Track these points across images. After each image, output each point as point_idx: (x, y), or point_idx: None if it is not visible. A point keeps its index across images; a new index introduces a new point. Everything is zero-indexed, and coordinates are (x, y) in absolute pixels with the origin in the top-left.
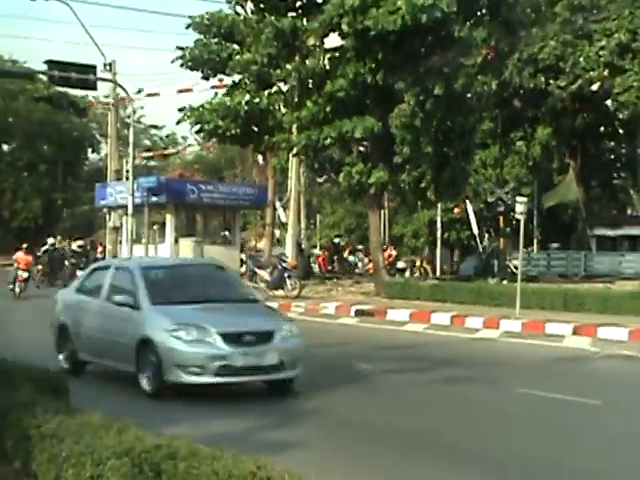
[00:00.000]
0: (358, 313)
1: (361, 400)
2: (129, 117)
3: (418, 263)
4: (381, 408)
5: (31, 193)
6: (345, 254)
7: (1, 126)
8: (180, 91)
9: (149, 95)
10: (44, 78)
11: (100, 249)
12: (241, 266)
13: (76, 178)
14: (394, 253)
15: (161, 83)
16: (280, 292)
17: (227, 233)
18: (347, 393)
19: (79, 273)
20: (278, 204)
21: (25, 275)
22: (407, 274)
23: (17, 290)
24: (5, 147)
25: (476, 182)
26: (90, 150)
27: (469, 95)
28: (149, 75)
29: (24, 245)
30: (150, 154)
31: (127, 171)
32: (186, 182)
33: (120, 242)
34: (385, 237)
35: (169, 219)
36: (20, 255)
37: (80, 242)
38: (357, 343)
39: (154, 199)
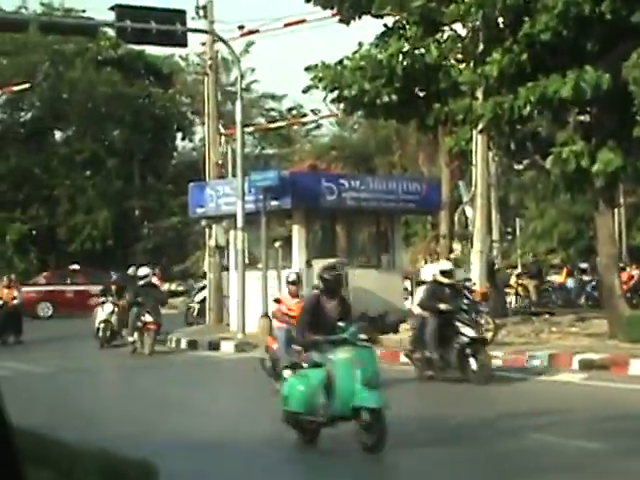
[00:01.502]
0: (584, 365)
1: None
2: (234, 85)
3: None
4: None
5: (96, 201)
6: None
7: (51, 105)
8: (334, 15)
9: (289, 29)
10: (111, 33)
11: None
12: (406, 299)
13: (160, 177)
14: (637, 273)
15: (280, 33)
16: None
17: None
18: None
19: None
20: (466, 199)
21: None
22: None
23: None
24: (57, 135)
25: None
26: (180, 135)
27: None
28: (260, 20)
29: None
30: (250, 129)
31: (234, 165)
32: (320, 177)
33: (226, 268)
34: (622, 250)
35: (297, 232)
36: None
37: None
38: (580, 410)
39: (274, 203)
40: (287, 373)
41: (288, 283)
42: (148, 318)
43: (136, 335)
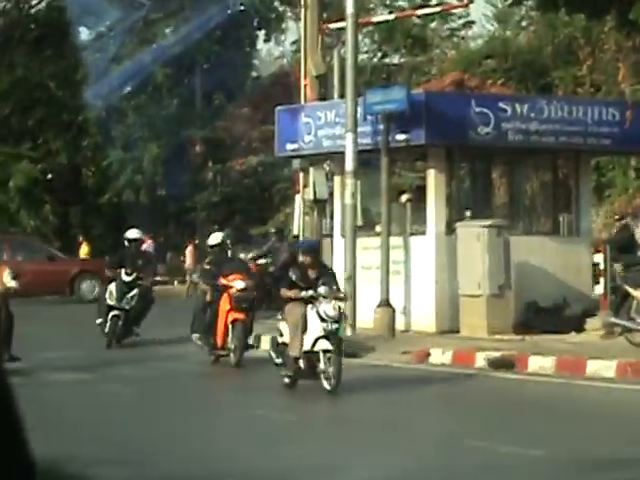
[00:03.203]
0: None
1: None
2: None
3: None
4: None
5: (139, 130)
6: None
7: None
8: None
9: None
10: None
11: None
12: (596, 281)
13: (233, 97)
14: None
15: None
16: None
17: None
18: None
19: None
20: None
21: None
22: None
23: None
24: (84, 34)
25: None
26: (262, 35)
27: None
28: None
29: None
30: (366, 25)
31: (342, 80)
32: (470, 98)
33: (329, 233)
34: None
35: (434, 181)
36: None
37: None
38: None
39: (401, 138)
40: None
41: None
42: None
43: None
